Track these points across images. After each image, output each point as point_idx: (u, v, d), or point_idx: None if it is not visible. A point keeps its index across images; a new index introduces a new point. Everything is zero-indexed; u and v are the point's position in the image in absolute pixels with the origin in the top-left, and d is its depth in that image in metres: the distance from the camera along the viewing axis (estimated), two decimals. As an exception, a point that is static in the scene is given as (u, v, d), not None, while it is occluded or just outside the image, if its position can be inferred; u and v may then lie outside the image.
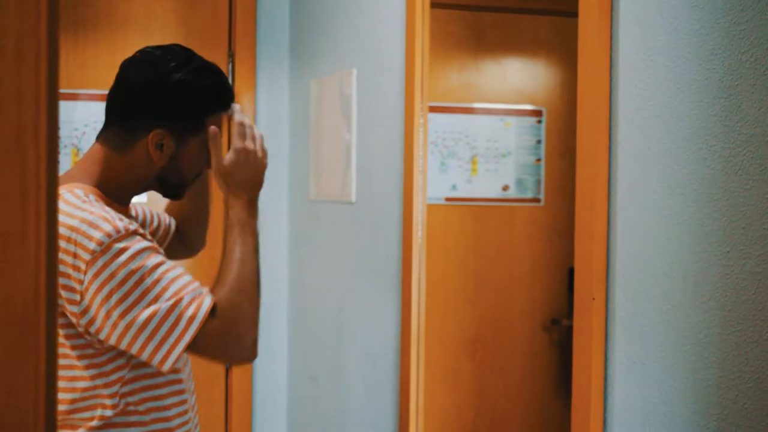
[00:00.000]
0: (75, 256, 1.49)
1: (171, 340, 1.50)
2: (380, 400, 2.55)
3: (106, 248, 1.48)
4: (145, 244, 1.52)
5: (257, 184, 1.68)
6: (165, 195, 1.75)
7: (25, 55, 0.59)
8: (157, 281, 1.50)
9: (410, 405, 2.38)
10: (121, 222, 1.52)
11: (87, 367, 1.56)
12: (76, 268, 1.49)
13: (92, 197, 1.58)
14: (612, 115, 1.53)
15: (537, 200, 3.16)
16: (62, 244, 1.50)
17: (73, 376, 1.56)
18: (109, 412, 1.57)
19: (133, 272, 1.49)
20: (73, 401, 1.57)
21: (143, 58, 1.66)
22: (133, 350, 1.51)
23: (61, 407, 1.58)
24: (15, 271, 0.60)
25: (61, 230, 1.50)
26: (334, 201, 2.89)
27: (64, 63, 3.11)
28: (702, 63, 1.33)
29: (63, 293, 1.50)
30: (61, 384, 1.57)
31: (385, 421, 2.52)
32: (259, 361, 3.38)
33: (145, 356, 1.51)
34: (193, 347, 1.53)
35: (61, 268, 1.50)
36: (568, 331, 3.08)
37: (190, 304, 1.51)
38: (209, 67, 1.68)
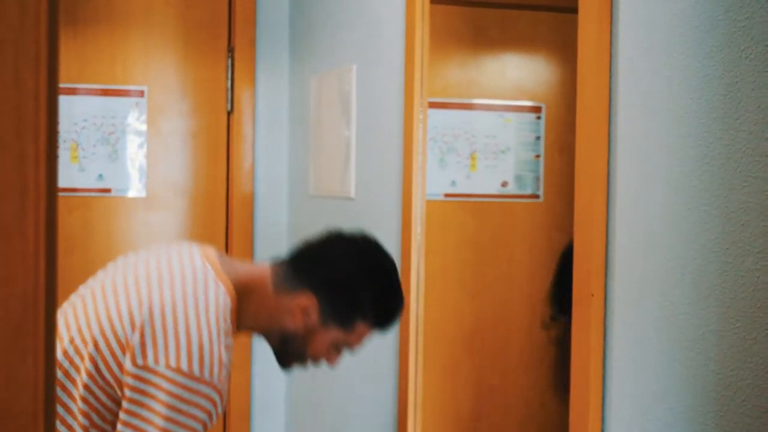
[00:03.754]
0: (141, 350, 1.49)
1: None
2: (379, 395, 2.55)
3: (186, 385, 1.48)
4: (205, 417, 1.51)
5: None
6: (276, 355, 1.74)
7: (24, 49, 0.59)
8: None
9: (409, 399, 2.38)
10: (217, 368, 1.50)
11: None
12: (127, 350, 1.50)
13: (228, 304, 1.57)
14: (611, 112, 1.53)
15: (536, 196, 3.16)
16: (134, 314, 1.51)
17: None
18: None
19: (168, 419, 1.48)
20: None
21: (356, 248, 1.70)
22: None
23: None
24: (14, 267, 0.60)
25: (149, 305, 1.52)
26: (334, 197, 2.89)
27: (63, 57, 3.11)
28: (702, 60, 1.33)
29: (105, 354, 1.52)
30: None
31: (384, 415, 2.52)
32: (257, 356, 3.38)
33: None
34: None
35: (115, 325, 1.51)
36: (567, 327, 3.08)
37: None
38: (398, 292, 1.71)
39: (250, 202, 3.32)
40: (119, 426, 1.50)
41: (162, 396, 1.47)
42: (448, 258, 3.09)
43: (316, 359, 1.72)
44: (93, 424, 1.57)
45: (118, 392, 1.53)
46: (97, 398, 1.55)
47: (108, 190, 3.19)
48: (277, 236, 3.36)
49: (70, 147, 3.16)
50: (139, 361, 1.48)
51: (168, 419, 1.47)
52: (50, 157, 0.60)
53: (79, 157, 3.15)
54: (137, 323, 1.51)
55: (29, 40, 0.59)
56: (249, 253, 3.32)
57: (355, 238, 1.73)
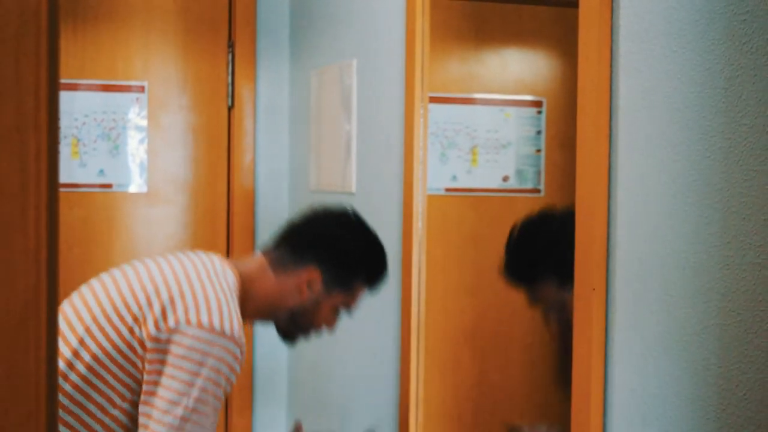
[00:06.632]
0: (162, 315, 1.55)
1: None
2: (380, 391, 2.56)
3: (206, 339, 1.54)
4: (227, 371, 1.57)
5: None
6: (282, 333, 1.85)
7: (25, 45, 0.59)
8: (202, 413, 1.54)
9: (410, 396, 2.38)
10: (241, 336, 1.59)
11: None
12: (143, 324, 1.55)
13: (235, 283, 1.66)
14: (612, 106, 1.53)
15: (537, 191, 3.16)
16: (148, 290, 1.57)
17: None
18: None
19: (203, 389, 1.53)
20: None
21: (342, 216, 1.88)
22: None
23: None
24: (15, 262, 0.60)
25: (164, 280, 1.58)
26: (335, 191, 2.89)
27: (64, 53, 3.11)
28: (703, 53, 1.33)
29: (117, 340, 1.56)
30: None
31: (385, 411, 2.52)
32: (259, 352, 3.38)
33: None
34: None
35: (132, 308, 1.54)
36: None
37: None
38: (383, 248, 1.90)
39: (251, 196, 3.32)
40: (145, 389, 1.54)
41: (186, 353, 1.52)
42: (449, 252, 3.09)
43: (320, 328, 1.84)
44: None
45: (133, 368, 1.56)
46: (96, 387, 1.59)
47: (109, 186, 3.19)
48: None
49: (70, 143, 3.16)
50: (161, 326, 1.53)
51: (193, 373, 1.51)
52: (51, 153, 0.60)
53: (79, 153, 3.16)
54: (152, 297, 1.56)
55: (30, 35, 0.59)
56: (250, 248, 3.32)
57: (336, 208, 1.90)
